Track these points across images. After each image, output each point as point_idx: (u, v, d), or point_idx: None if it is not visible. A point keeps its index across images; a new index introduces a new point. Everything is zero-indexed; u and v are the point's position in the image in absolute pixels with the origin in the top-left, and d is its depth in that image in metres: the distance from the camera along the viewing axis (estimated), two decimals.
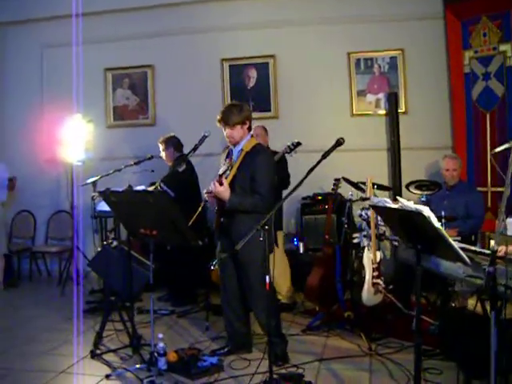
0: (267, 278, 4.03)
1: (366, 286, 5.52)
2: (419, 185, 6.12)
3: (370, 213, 5.59)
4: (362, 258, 5.71)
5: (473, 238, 6.05)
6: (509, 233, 4.05)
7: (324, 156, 4.30)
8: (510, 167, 3.12)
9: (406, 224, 3.35)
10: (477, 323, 4.51)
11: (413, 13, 7.81)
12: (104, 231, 7.27)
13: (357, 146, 7.18)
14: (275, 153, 6.21)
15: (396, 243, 5.64)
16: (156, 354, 4.73)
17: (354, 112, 8.08)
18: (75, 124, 7.95)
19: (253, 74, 8.35)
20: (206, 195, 4.92)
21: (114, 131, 8.84)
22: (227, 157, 5.02)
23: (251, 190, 4.77)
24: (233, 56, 8.39)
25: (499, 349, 3.12)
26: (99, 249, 5.74)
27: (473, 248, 3.90)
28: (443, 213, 5.40)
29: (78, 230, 8.02)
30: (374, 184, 5.68)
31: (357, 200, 5.84)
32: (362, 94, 8.07)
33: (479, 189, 6.85)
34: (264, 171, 4.79)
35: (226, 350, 5.15)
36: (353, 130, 7.52)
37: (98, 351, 5.23)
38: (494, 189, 7.16)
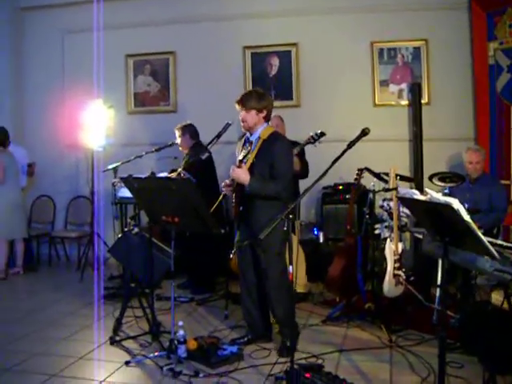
0: (290, 268, 3.98)
1: (387, 278, 5.49)
2: (442, 177, 6.03)
3: (392, 204, 5.53)
4: (383, 249, 5.66)
5: (495, 231, 5.99)
6: None
7: (349, 146, 4.25)
8: None
9: (433, 216, 3.29)
10: (501, 318, 4.47)
11: (437, 2, 7.72)
12: (124, 218, 7.26)
13: (379, 136, 7.06)
14: (294, 143, 6.10)
15: (420, 235, 5.59)
16: (176, 342, 4.71)
17: (377, 102, 8.02)
18: (96, 110, 7.93)
19: (275, 62, 8.29)
20: (223, 188, 4.92)
21: (135, 117, 8.85)
22: (244, 145, 4.99)
23: (270, 177, 4.73)
24: (255, 44, 8.34)
25: None
26: (119, 235, 5.70)
27: (500, 242, 3.84)
28: (466, 206, 5.31)
29: (98, 216, 8.05)
30: (396, 175, 5.61)
31: (379, 191, 5.76)
32: (384, 84, 7.99)
33: (502, 182, 6.76)
34: (283, 158, 4.76)
35: (245, 339, 5.13)
36: (375, 120, 7.38)
37: (118, 337, 5.23)
38: None
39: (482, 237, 3.10)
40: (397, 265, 5.46)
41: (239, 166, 4.74)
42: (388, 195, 5.81)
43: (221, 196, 5.26)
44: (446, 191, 5.89)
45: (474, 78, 7.61)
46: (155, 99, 8.83)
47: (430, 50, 7.80)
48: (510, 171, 7.16)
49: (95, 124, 7.93)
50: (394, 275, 5.46)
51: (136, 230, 5.42)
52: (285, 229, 3.97)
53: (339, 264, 6.00)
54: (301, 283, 6.38)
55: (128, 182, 4.83)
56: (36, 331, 5.58)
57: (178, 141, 6.98)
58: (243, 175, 4.67)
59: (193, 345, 4.78)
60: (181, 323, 4.82)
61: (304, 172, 6.26)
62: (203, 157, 5.53)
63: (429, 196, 3.24)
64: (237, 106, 4.86)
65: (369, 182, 6.11)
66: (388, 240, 5.57)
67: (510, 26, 7.13)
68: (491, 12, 7.35)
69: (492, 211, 5.90)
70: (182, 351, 4.70)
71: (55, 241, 9.02)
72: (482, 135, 7.50)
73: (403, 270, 5.50)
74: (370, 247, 5.94)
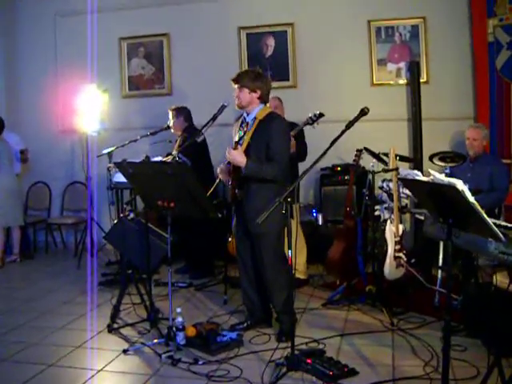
0: (289, 252, 3.90)
1: (388, 260, 5.41)
2: (443, 156, 5.94)
3: (392, 185, 5.45)
4: (383, 230, 5.59)
5: (496, 211, 5.90)
6: None
7: (348, 126, 4.22)
8: None
9: (437, 198, 3.20)
10: (505, 300, 4.39)
11: None
12: (120, 203, 7.18)
13: (377, 116, 6.93)
14: (293, 124, 6.05)
15: (421, 216, 5.51)
16: (174, 329, 4.65)
17: (375, 81, 7.90)
18: (90, 94, 7.84)
19: (271, 42, 8.17)
20: (219, 174, 4.87)
21: (130, 101, 8.75)
22: (240, 126, 4.89)
23: (267, 159, 4.63)
24: (250, 24, 8.21)
25: None
26: (115, 221, 5.62)
27: (504, 223, 3.74)
28: (467, 185, 5.23)
29: (94, 202, 7.99)
30: (396, 155, 5.51)
31: (379, 171, 5.67)
32: (382, 63, 7.88)
33: (503, 161, 6.65)
34: (279, 138, 4.65)
35: (245, 324, 5.06)
36: (373, 99, 7.21)
37: (115, 325, 5.16)
38: None
39: (487, 218, 3.00)
40: (397, 247, 5.38)
41: (235, 148, 4.64)
42: (388, 176, 5.73)
43: (217, 180, 5.16)
44: (447, 171, 5.82)
45: (474, 55, 7.48)
46: (150, 82, 8.73)
47: (428, 28, 7.66)
48: (511, 150, 7.05)
49: (89, 108, 7.85)
50: (395, 257, 5.38)
51: (132, 215, 5.36)
52: (283, 212, 3.92)
53: (339, 246, 5.97)
54: (301, 269, 6.31)
55: (122, 166, 4.75)
56: (33, 320, 5.52)
57: (171, 122, 6.93)
58: (239, 157, 4.57)
59: (191, 332, 4.72)
60: (179, 310, 4.76)
61: (301, 154, 6.13)
62: (199, 139, 5.46)
63: (431, 177, 3.14)
64: (232, 83, 4.78)
65: (368, 162, 6.03)
66: (388, 222, 5.49)
67: (510, 2, 7.00)
68: None
69: (493, 191, 5.80)
70: (180, 338, 4.64)
71: (52, 227, 8.95)
72: (482, 114, 7.38)
73: (404, 252, 5.42)
74: (370, 229, 5.87)
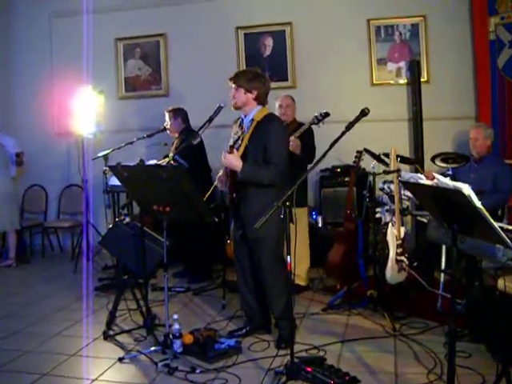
0: (288, 258, 3.80)
1: (389, 264, 5.31)
2: (445, 157, 5.85)
3: (393, 186, 5.35)
4: (384, 233, 5.49)
5: (499, 212, 5.79)
6: None
7: (348, 128, 4.14)
8: None
9: (441, 202, 3.08)
10: (510, 304, 4.28)
11: None
12: (117, 206, 7.11)
13: (377, 116, 6.83)
14: (301, 124, 5.99)
15: (423, 219, 5.41)
16: (171, 336, 4.55)
17: (375, 81, 7.83)
18: (86, 96, 7.77)
19: (269, 42, 8.09)
20: (218, 183, 4.80)
21: (126, 103, 8.67)
22: (238, 127, 4.79)
23: (264, 162, 4.52)
24: (248, 24, 8.13)
25: None
26: (110, 225, 5.53)
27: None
28: (471, 187, 5.13)
29: (90, 205, 7.87)
30: (397, 156, 5.41)
31: (380, 173, 5.56)
32: (382, 62, 7.80)
33: (506, 161, 6.52)
34: (277, 141, 4.54)
35: (243, 331, 4.96)
36: (373, 99, 7.19)
37: (111, 332, 5.06)
38: None
39: (495, 224, 2.88)
40: (399, 250, 5.28)
41: (231, 152, 4.53)
42: (389, 177, 5.64)
43: (215, 183, 5.05)
44: (449, 172, 5.75)
45: (475, 54, 7.39)
46: (146, 83, 8.65)
47: (428, 27, 7.58)
48: None
49: (85, 110, 7.77)
50: (397, 261, 5.28)
51: (127, 219, 5.30)
52: (281, 217, 3.83)
53: (339, 249, 5.86)
54: (302, 277, 6.19)
55: (116, 170, 4.66)
56: (29, 326, 5.42)
57: (168, 124, 6.84)
58: (235, 161, 4.46)
59: (189, 339, 4.62)
60: (175, 316, 4.64)
61: (308, 157, 5.97)
62: (195, 142, 5.38)
63: (436, 181, 3.03)
64: (229, 82, 4.70)
65: (368, 163, 5.94)
66: (390, 224, 5.40)
67: (511, 0, 6.89)
68: None
69: (496, 192, 5.69)
70: (177, 346, 4.54)
71: (48, 231, 8.85)
72: (484, 113, 7.29)
73: (406, 255, 5.33)
74: (371, 232, 5.78)
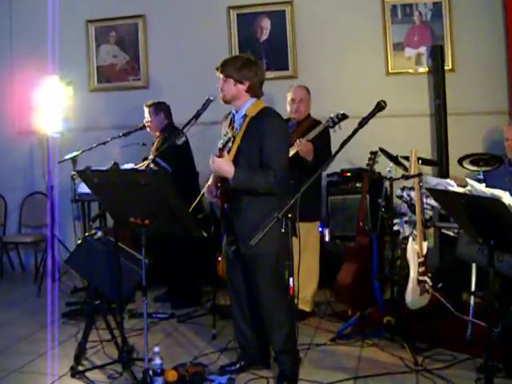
0: (291, 280, 3.72)
1: (410, 285, 5.27)
2: (476, 159, 5.81)
3: (414, 194, 5.31)
4: (403, 249, 5.47)
5: None
6: None
7: (361, 124, 4.15)
8: None
9: (475, 214, 3.01)
10: None
11: None
12: (87, 218, 7.06)
13: (393, 111, 6.83)
14: (317, 122, 5.94)
15: (450, 232, 5.36)
16: (151, 373, 4.46)
17: (390, 70, 7.83)
18: (51, 88, 7.73)
19: (266, 24, 8.10)
20: (206, 194, 4.76)
21: (99, 96, 8.68)
22: (230, 125, 4.73)
23: (260, 165, 4.43)
24: (241, 3, 8.15)
25: None
26: (79, 241, 5.48)
27: None
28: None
29: (56, 216, 7.86)
30: (418, 158, 5.37)
31: (398, 178, 5.51)
32: (399, 47, 7.80)
33: None
34: (275, 140, 4.43)
35: (237, 366, 4.89)
36: (388, 91, 7.17)
37: (81, 367, 5.00)
38: None
39: None
40: (421, 269, 5.24)
41: (220, 156, 4.44)
42: (408, 183, 5.60)
43: (202, 190, 5.03)
44: (480, 176, 5.75)
45: (508, 37, 7.38)
46: (123, 73, 8.66)
47: (453, 6, 7.57)
48: None
49: (51, 105, 7.73)
50: (419, 282, 5.25)
51: (99, 234, 5.21)
52: (282, 231, 3.76)
53: (351, 268, 5.86)
54: (307, 301, 6.14)
55: (85, 175, 4.61)
56: None
57: (148, 120, 6.85)
58: (225, 167, 4.37)
59: (172, 376, 4.60)
60: (157, 349, 4.55)
61: (320, 163, 5.78)
62: (179, 141, 5.30)
63: (469, 188, 2.94)
64: (216, 73, 4.65)
65: (383, 167, 5.91)
66: (410, 239, 5.36)
67: None
68: None
69: None
70: None
71: (7, 247, 8.81)
72: None
73: (429, 274, 5.29)
74: (387, 247, 5.73)
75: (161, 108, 6.87)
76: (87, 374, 4.92)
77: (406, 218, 5.64)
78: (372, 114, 4.18)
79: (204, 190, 4.80)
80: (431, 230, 6.80)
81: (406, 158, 5.55)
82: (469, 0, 7.53)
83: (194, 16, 8.25)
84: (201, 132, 6.80)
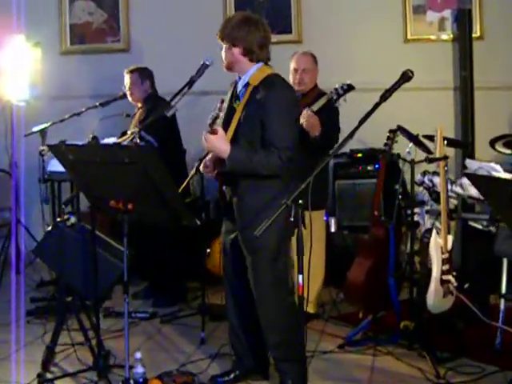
0: (300, 277, 3.66)
1: (432, 286, 5.22)
2: (509, 141, 5.75)
3: (439, 179, 5.28)
4: (425, 243, 5.45)
5: None
6: None
7: (384, 97, 4.04)
8: None
9: None
10: None
11: None
12: (58, 200, 7.01)
13: (411, 83, 6.86)
14: (323, 95, 5.87)
15: (477, 225, 5.29)
16: (132, 382, 4.40)
17: (409, 36, 7.83)
18: (16, 49, 7.72)
19: None
20: (204, 170, 4.70)
21: (72, 59, 8.66)
22: (230, 98, 4.66)
23: (262, 144, 4.35)
24: None
25: None
26: (49, 228, 5.41)
27: None
28: None
29: (21, 198, 7.87)
30: (444, 138, 5.30)
31: (420, 161, 5.45)
32: (419, 11, 7.79)
33: None
34: (280, 114, 4.34)
35: (231, 376, 4.83)
36: (407, 60, 6.95)
37: (49, 375, 4.94)
38: None
39: None
40: (446, 267, 5.21)
41: (213, 132, 4.35)
42: (430, 167, 5.62)
43: (192, 171, 5.05)
44: None
45: None
46: (100, 33, 8.64)
47: None
48: None
49: (15, 69, 7.71)
50: (442, 282, 5.19)
51: (73, 219, 5.19)
52: (291, 219, 3.63)
53: (363, 265, 5.77)
54: (311, 301, 6.03)
55: (59, 151, 4.52)
56: None
57: (130, 88, 6.83)
58: (220, 145, 4.28)
59: None
60: (138, 355, 4.51)
61: (328, 140, 5.74)
62: (168, 113, 5.21)
63: None
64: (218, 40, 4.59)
65: (401, 148, 5.83)
66: (433, 232, 5.31)
67: None
68: None
69: None
70: None
71: None
72: None
73: (454, 274, 5.26)
74: (405, 241, 5.67)
75: (146, 75, 6.85)
76: (57, 382, 4.87)
77: (426, 207, 5.65)
78: (397, 85, 4.12)
79: (200, 165, 4.73)
80: (454, 223, 6.79)
81: (428, 138, 5.54)
82: None
83: None
84: (189, 103, 6.70)
